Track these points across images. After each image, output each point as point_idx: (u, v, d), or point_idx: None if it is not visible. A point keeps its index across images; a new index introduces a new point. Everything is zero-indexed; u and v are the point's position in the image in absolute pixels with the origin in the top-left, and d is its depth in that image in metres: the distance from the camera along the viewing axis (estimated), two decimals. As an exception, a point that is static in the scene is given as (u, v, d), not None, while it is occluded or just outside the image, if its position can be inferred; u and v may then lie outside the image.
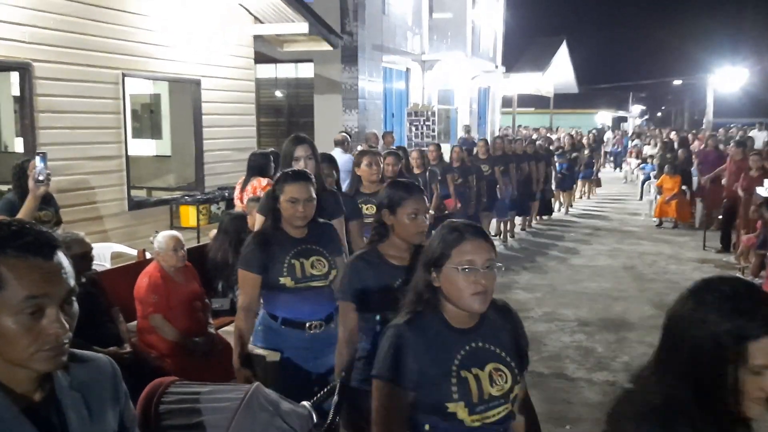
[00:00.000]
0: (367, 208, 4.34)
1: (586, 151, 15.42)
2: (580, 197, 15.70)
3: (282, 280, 2.87)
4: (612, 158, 25.87)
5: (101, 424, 1.31)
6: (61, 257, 1.21)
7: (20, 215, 3.23)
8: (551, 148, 13.78)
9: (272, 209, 2.96)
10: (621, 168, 24.29)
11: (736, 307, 1.32)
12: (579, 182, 15.17)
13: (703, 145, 14.08)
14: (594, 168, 16.43)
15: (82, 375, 1.31)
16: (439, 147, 8.83)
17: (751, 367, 1.30)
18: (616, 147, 26.47)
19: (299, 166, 3.40)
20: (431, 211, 7.21)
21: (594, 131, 23.20)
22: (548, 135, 20.22)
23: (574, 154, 13.93)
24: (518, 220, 11.06)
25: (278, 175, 3.04)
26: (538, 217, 12.17)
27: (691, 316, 1.36)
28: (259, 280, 2.90)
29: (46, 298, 1.16)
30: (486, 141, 10.30)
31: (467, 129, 16.84)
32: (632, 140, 25.09)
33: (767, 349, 1.30)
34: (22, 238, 1.17)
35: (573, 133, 19.24)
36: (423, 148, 9.03)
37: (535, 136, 18.90)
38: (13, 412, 1.17)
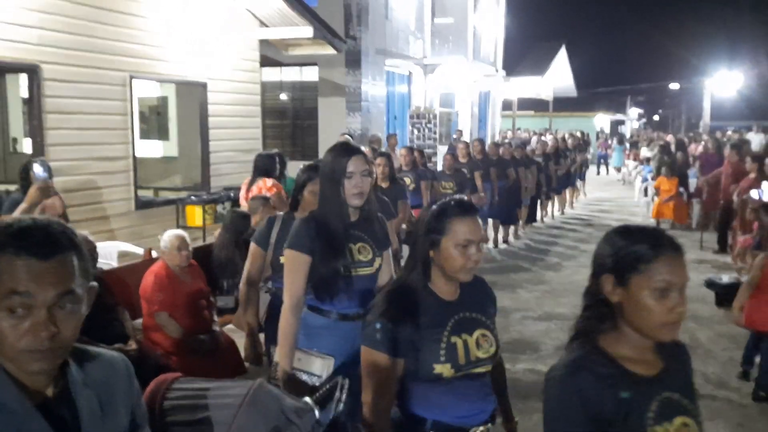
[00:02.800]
0: None
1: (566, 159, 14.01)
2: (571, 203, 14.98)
3: (438, 368, 1.94)
4: (597, 161, 25.58)
5: (113, 421, 1.32)
6: (64, 259, 1.19)
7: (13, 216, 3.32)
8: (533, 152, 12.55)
9: (423, 258, 2.01)
10: (607, 171, 24.14)
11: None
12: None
13: (700, 148, 14.11)
14: (579, 172, 15.49)
15: (96, 372, 1.32)
16: (411, 150, 8.14)
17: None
18: (599, 150, 26.27)
19: (352, 185, 2.58)
20: (402, 225, 6.61)
21: (579, 133, 22.65)
22: (542, 138, 19.39)
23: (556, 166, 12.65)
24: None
25: (435, 209, 2.02)
26: (524, 226, 11.30)
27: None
28: (401, 366, 1.97)
29: (30, 297, 1.15)
30: (467, 143, 9.53)
31: (459, 134, 16.42)
32: (620, 144, 24.97)
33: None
34: (25, 237, 1.17)
35: (565, 135, 18.18)
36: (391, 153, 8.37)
37: (534, 139, 18.46)
38: (26, 407, 1.18)
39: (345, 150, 2.69)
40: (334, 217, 2.62)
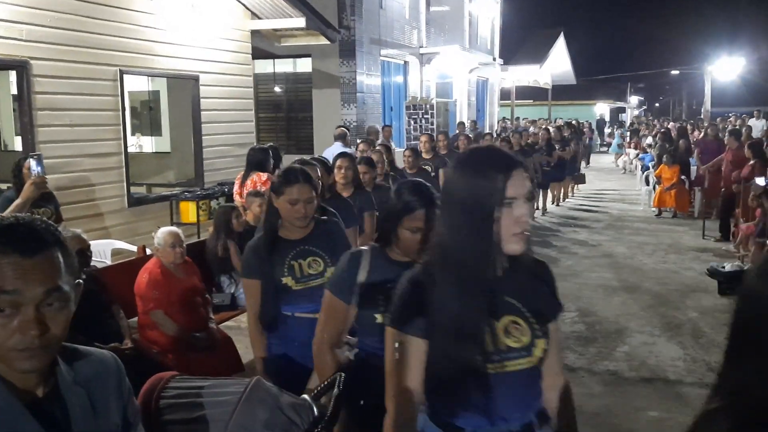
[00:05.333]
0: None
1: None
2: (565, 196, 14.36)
3: None
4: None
5: (105, 420, 1.31)
6: (49, 255, 1.18)
7: (7, 212, 3.27)
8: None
9: None
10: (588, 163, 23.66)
11: None
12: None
13: (702, 135, 14.06)
14: (576, 164, 14.97)
15: (86, 370, 1.31)
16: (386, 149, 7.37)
17: None
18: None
19: (514, 219, 1.54)
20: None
21: (574, 121, 22.17)
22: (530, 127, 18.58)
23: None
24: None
25: None
26: None
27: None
28: None
29: (18, 295, 1.14)
30: (431, 136, 8.34)
31: (461, 128, 15.21)
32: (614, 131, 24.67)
33: None
34: (9, 234, 1.16)
35: (558, 124, 17.31)
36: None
37: (532, 129, 18.03)
38: (17, 407, 1.17)
39: (498, 160, 1.57)
40: (478, 274, 1.56)
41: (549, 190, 12.67)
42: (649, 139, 18.52)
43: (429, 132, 9.79)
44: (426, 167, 7.54)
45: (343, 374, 2.04)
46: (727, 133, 10.70)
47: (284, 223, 2.84)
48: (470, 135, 10.66)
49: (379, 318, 2.24)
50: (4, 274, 1.13)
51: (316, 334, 2.39)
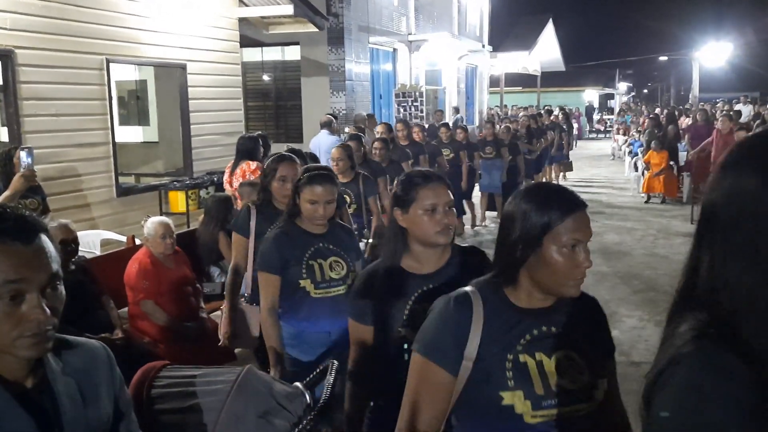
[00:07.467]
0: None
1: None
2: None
3: None
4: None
5: (95, 410, 1.31)
6: (43, 241, 1.19)
7: None
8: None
9: None
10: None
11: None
12: (549, 167, 13.52)
13: (689, 120, 14.12)
14: (564, 150, 14.74)
15: (75, 361, 1.31)
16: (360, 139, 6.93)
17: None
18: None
19: None
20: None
21: (565, 108, 21.97)
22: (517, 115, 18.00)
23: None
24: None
25: None
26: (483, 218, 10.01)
27: None
28: None
29: (24, 283, 1.15)
30: (406, 123, 7.82)
31: (439, 116, 14.63)
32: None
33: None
34: (4, 223, 1.16)
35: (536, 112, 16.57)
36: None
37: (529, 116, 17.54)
38: (5, 399, 1.17)
39: None
40: None
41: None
42: (620, 138, 18.20)
43: (386, 122, 9.09)
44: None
45: (335, 362, 2.03)
46: (720, 116, 10.71)
47: (413, 247, 2.07)
48: (425, 125, 10.27)
49: (506, 398, 1.52)
50: (9, 264, 1.14)
51: (401, 415, 1.65)
